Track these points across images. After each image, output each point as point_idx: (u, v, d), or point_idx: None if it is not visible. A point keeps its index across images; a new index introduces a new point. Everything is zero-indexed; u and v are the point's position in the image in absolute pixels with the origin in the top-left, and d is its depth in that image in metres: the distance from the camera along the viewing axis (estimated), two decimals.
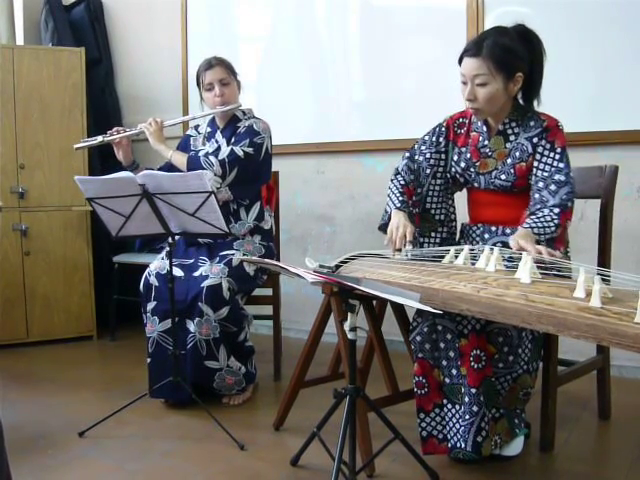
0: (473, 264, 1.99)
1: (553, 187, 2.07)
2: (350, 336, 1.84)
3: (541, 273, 1.78)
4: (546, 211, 2.03)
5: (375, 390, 2.34)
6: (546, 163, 2.12)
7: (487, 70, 2.07)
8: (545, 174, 2.10)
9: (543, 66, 2.19)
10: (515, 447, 2.17)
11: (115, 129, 2.93)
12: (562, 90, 3.04)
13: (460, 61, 2.14)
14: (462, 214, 2.42)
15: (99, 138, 2.90)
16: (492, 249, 1.93)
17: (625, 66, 2.96)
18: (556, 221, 2.00)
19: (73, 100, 3.93)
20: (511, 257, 1.94)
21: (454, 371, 2.06)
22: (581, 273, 1.60)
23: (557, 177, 2.08)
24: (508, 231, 2.18)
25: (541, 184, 2.09)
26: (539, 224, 1.99)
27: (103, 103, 4.54)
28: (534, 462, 2.21)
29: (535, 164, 2.13)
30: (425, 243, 2.34)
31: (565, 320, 1.48)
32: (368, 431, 2.13)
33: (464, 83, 2.14)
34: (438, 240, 2.36)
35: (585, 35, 3.04)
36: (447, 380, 2.09)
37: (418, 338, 2.12)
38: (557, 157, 2.11)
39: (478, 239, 2.27)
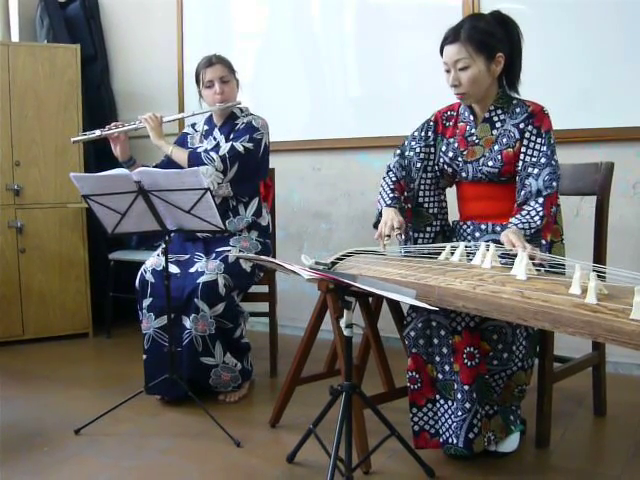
0: (469, 261, 1.99)
1: (536, 170, 2.10)
2: (346, 333, 1.84)
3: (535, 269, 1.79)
4: (532, 204, 2.06)
5: (371, 387, 2.35)
6: (534, 149, 2.14)
7: (467, 54, 2.11)
8: (534, 159, 2.13)
9: (521, 49, 2.21)
10: (511, 443, 2.18)
11: (113, 124, 2.92)
12: (557, 86, 3.04)
13: (441, 51, 2.19)
14: (453, 211, 2.42)
15: (97, 132, 2.88)
16: (488, 246, 1.94)
17: (620, 63, 2.96)
18: (541, 213, 2.03)
19: (69, 97, 3.91)
20: (507, 254, 1.95)
21: (447, 367, 2.07)
22: (577, 270, 1.60)
23: (542, 160, 2.12)
24: (498, 229, 2.19)
25: (530, 169, 2.12)
26: (523, 220, 2.02)
27: (99, 100, 4.52)
28: (530, 458, 2.21)
29: (523, 150, 2.15)
30: (420, 238, 2.34)
31: (561, 316, 1.49)
32: (364, 428, 2.13)
33: (447, 71, 2.18)
34: (433, 235, 2.36)
35: (580, 32, 3.04)
36: (440, 376, 2.09)
37: (412, 333, 2.12)
38: (544, 142, 2.13)
39: (469, 237, 2.28)
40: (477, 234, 2.26)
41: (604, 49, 2.99)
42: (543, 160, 2.11)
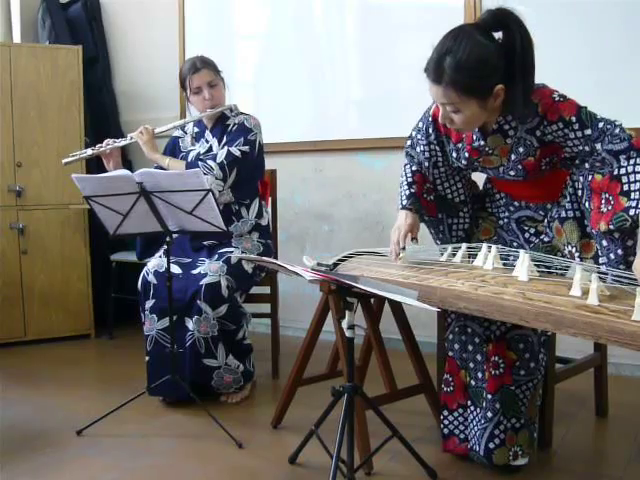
0: (471, 262, 1.99)
1: (596, 145, 1.81)
2: (348, 334, 1.84)
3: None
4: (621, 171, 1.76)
5: (373, 388, 2.34)
6: (574, 138, 1.84)
7: (455, 98, 1.78)
8: (579, 147, 1.85)
9: (533, 48, 1.81)
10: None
11: (105, 142, 2.91)
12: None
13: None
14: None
15: (88, 151, 2.90)
16: (490, 247, 1.93)
17: (623, 65, 2.95)
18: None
19: (70, 98, 3.92)
20: (509, 255, 1.94)
21: (480, 374, 2.05)
22: (578, 271, 1.61)
23: (589, 147, 1.82)
24: (532, 205, 2.09)
25: (589, 159, 1.84)
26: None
27: (100, 101, 4.52)
28: (532, 459, 2.20)
29: (562, 146, 1.88)
30: (454, 224, 2.21)
31: (562, 318, 1.49)
32: (366, 429, 2.13)
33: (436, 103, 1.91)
34: (468, 219, 2.21)
35: (582, 32, 3.03)
36: (472, 382, 2.07)
37: (450, 336, 2.11)
38: (576, 127, 1.82)
39: (503, 209, 2.16)
40: (511, 208, 2.13)
41: (607, 50, 2.98)
42: (597, 146, 1.80)
